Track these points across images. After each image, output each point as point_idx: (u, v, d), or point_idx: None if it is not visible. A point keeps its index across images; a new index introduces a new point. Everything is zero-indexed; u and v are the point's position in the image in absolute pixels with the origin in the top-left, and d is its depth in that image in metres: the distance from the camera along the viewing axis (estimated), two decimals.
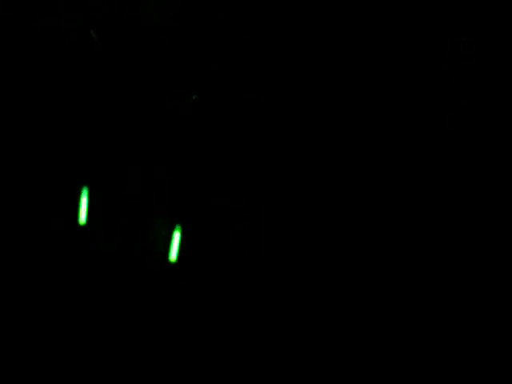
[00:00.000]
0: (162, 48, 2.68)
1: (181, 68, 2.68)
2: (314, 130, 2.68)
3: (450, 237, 2.61)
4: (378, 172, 2.65)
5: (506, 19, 2.63)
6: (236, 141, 2.66)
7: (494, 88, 2.64)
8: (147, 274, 2.56)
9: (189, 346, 2.50)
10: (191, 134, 2.67)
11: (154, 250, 2.59)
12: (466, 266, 2.58)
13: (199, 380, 2.47)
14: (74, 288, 2.52)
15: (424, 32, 2.66)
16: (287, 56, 2.68)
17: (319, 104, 2.68)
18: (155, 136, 2.66)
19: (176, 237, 2.55)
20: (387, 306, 2.56)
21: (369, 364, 2.50)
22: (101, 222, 2.59)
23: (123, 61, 2.65)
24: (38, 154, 2.58)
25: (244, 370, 2.48)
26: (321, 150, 2.67)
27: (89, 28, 2.20)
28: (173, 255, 2.55)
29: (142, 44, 2.67)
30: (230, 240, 2.61)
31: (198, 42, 2.69)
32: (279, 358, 2.50)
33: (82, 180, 2.57)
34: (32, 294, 2.49)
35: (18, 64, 2.59)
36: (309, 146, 2.67)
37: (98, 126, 2.63)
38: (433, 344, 2.52)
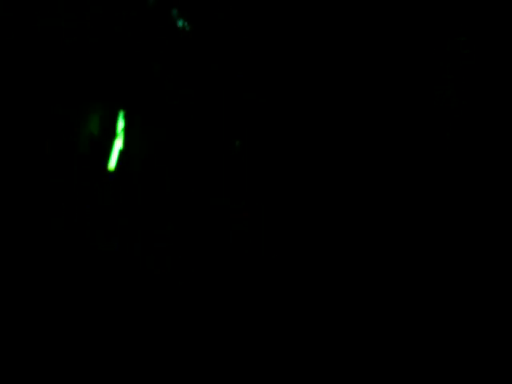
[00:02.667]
0: (162, 48, 2.68)
1: (181, 68, 2.69)
2: (313, 130, 2.68)
3: (449, 236, 2.62)
4: (378, 172, 2.66)
5: (506, 19, 2.63)
6: (236, 141, 2.67)
7: (494, 88, 2.64)
8: (146, 274, 2.57)
9: (188, 345, 2.50)
10: (191, 133, 2.67)
11: (153, 250, 2.59)
12: (466, 265, 2.59)
13: (201, 380, 2.47)
14: (73, 286, 2.52)
15: (424, 32, 2.66)
16: (287, 56, 2.69)
17: (319, 104, 2.68)
18: (155, 136, 2.67)
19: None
20: (387, 305, 2.57)
21: (369, 364, 2.50)
22: (102, 223, 2.59)
23: (123, 61, 2.66)
24: (38, 154, 2.59)
25: (244, 370, 2.49)
26: (320, 150, 2.67)
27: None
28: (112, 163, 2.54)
29: (142, 44, 2.67)
30: (230, 240, 2.61)
31: (198, 42, 2.69)
32: (278, 357, 2.50)
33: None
34: (31, 290, 2.49)
35: (18, 64, 2.59)
36: (308, 146, 2.67)
37: (99, 125, 2.63)
38: (433, 344, 2.52)
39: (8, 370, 2.36)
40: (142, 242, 2.60)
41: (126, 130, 2.64)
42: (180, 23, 2.68)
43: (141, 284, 2.56)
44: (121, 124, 2.56)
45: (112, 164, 2.61)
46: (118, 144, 2.61)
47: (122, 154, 2.65)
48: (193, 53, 2.69)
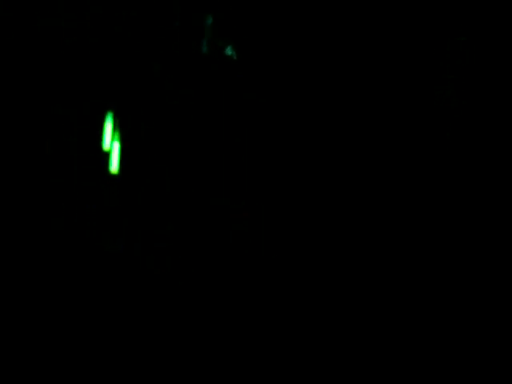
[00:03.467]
0: (162, 48, 2.68)
1: (181, 68, 2.69)
2: (313, 130, 2.68)
3: (449, 236, 2.62)
4: (378, 172, 2.66)
5: (506, 19, 2.63)
6: (236, 141, 2.67)
7: (494, 88, 2.64)
8: (148, 275, 2.57)
9: (188, 345, 2.50)
10: (191, 133, 2.67)
11: (153, 250, 2.59)
12: (466, 266, 2.59)
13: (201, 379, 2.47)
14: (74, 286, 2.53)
15: (424, 32, 2.66)
16: (287, 56, 2.69)
17: (319, 104, 2.68)
18: (155, 136, 2.67)
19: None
20: (387, 306, 2.57)
21: (369, 364, 2.50)
22: (105, 223, 2.59)
23: (123, 61, 2.66)
24: (38, 155, 2.59)
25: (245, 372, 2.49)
26: (320, 150, 2.67)
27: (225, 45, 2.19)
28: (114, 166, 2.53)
29: (142, 44, 2.67)
30: (230, 240, 2.61)
31: (198, 43, 2.69)
32: (276, 359, 2.50)
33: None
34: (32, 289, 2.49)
35: (18, 64, 2.59)
36: (308, 146, 2.67)
37: (98, 126, 2.64)
38: (433, 344, 2.52)
39: (8, 370, 2.36)
40: (142, 242, 2.60)
41: (125, 131, 2.64)
42: (180, 23, 2.68)
43: (141, 284, 2.56)
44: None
45: (114, 166, 2.60)
46: (116, 145, 2.61)
47: (122, 155, 2.65)
48: (192, 53, 2.69)
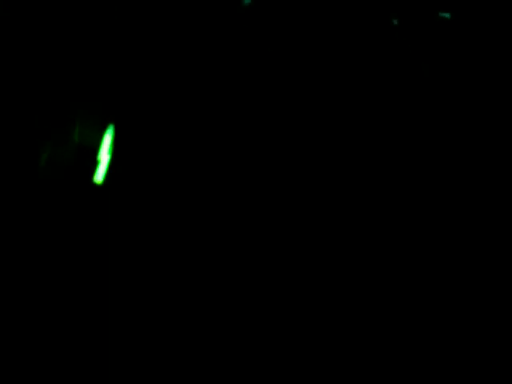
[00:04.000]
0: (162, 48, 2.68)
1: (181, 69, 2.69)
2: (313, 131, 2.68)
3: (449, 236, 2.62)
4: (377, 172, 2.66)
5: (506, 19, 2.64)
6: (236, 141, 2.67)
7: (493, 88, 2.65)
8: (149, 274, 2.57)
9: (188, 345, 2.50)
10: (192, 134, 2.68)
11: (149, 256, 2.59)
12: (466, 265, 2.59)
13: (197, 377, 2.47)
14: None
15: (423, 31, 2.67)
16: (287, 58, 2.69)
17: (318, 105, 2.69)
18: (156, 136, 2.67)
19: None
20: (387, 305, 2.57)
21: (369, 364, 2.50)
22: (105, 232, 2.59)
23: (124, 62, 2.66)
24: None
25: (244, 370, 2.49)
26: (320, 151, 2.67)
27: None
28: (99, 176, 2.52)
29: (143, 44, 2.67)
30: (230, 240, 2.61)
31: (199, 44, 2.70)
32: (278, 357, 2.50)
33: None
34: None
35: (18, 64, 2.59)
36: (308, 147, 2.68)
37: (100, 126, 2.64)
38: (433, 344, 2.52)
39: (8, 370, 2.35)
40: (136, 248, 2.60)
41: (116, 138, 2.64)
42: (180, 25, 2.68)
43: (138, 290, 2.56)
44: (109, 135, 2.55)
45: (99, 176, 2.59)
46: (107, 157, 2.59)
47: (121, 154, 2.65)
48: (194, 54, 2.69)
